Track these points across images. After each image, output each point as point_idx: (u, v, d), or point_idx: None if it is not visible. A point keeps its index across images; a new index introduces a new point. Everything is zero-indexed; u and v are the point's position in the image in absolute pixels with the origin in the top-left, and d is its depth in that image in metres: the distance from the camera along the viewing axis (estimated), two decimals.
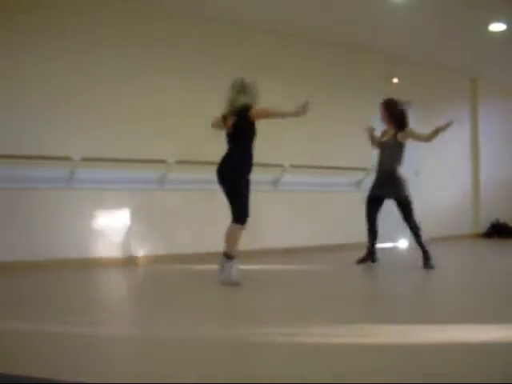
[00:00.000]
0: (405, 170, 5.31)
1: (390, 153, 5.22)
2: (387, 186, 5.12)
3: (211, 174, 5.79)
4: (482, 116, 8.71)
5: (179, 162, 5.55)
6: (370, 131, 5.40)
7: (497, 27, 6.32)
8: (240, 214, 4.05)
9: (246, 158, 4.17)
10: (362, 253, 5.30)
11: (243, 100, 4.11)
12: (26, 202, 4.92)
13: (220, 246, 5.70)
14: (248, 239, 6.02)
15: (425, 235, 5.08)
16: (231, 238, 4.06)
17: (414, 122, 7.85)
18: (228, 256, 4.05)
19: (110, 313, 3.12)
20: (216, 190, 5.83)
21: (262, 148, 6.15)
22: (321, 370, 1.94)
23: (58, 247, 5.03)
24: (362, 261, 5.26)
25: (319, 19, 6.11)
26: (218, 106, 5.91)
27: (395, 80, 7.52)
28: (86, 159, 5.05)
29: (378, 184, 5.23)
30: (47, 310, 3.09)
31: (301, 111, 4.09)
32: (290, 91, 6.43)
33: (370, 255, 5.28)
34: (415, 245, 5.16)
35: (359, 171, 7.00)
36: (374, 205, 5.22)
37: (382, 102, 5.38)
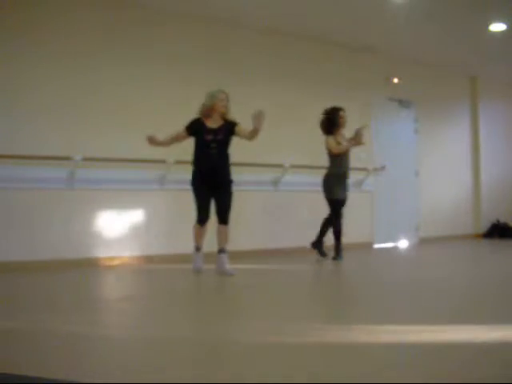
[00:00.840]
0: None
1: (347, 156, 5.60)
2: (345, 188, 5.55)
3: None
4: (482, 115, 8.71)
5: (179, 162, 5.55)
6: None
7: (497, 27, 6.32)
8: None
9: (195, 167, 4.55)
10: (363, 252, 5.40)
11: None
12: (26, 202, 4.91)
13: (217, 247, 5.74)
14: (249, 240, 6.05)
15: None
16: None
17: (415, 121, 7.90)
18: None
19: (110, 313, 3.12)
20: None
21: (262, 148, 6.20)
22: (320, 369, 1.94)
23: (58, 247, 5.03)
24: (335, 257, 5.52)
25: (318, 19, 6.10)
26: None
27: (395, 80, 7.53)
28: (86, 159, 5.05)
29: (343, 187, 5.55)
30: (47, 310, 3.09)
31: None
32: (290, 92, 6.45)
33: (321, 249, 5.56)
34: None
35: (359, 171, 6.99)
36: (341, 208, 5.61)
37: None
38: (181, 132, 4.59)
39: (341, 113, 5.56)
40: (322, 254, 5.51)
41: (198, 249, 4.57)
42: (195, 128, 4.53)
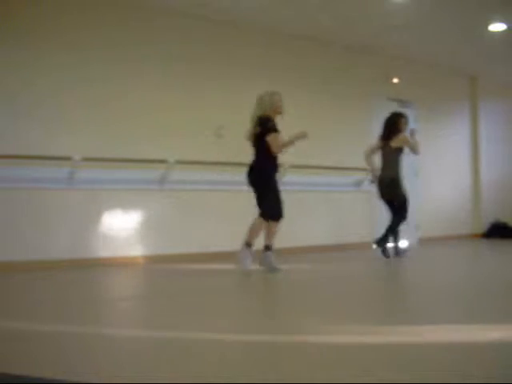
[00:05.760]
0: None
1: (386, 161, 5.82)
2: (383, 189, 5.79)
3: (211, 174, 5.85)
4: (481, 115, 8.72)
5: (179, 162, 5.55)
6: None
7: (497, 27, 6.32)
8: (268, 211, 4.58)
9: (269, 163, 4.64)
10: (364, 253, 5.46)
11: (257, 112, 4.64)
12: (26, 202, 4.92)
13: (220, 246, 5.75)
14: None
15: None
16: (253, 230, 4.62)
17: (415, 121, 7.89)
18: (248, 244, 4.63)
19: (109, 312, 3.12)
20: (216, 190, 5.88)
21: None
22: (321, 369, 1.95)
23: (58, 247, 5.03)
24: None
25: (319, 19, 6.11)
26: (218, 105, 5.96)
27: (395, 80, 7.53)
28: (85, 159, 5.05)
29: (380, 188, 5.80)
30: (47, 310, 3.09)
31: (299, 136, 4.70)
32: (290, 91, 6.44)
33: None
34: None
35: (359, 171, 6.99)
36: None
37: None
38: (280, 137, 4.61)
39: (401, 120, 5.75)
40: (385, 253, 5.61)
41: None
42: None
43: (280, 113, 4.69)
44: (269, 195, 4.58)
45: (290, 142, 4.67)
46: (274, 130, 4.56)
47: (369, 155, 5.83)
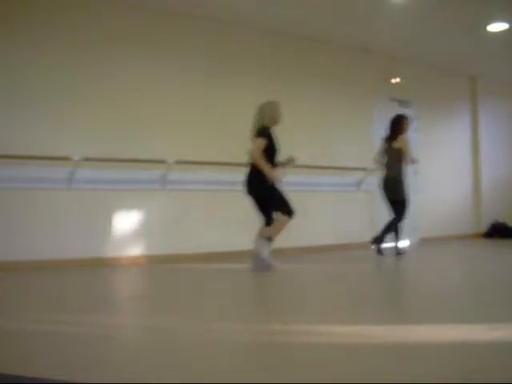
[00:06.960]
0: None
1: (390, 162, 5.91)
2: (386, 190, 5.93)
3: (211, 174, 5.85)
4: (482, 115, 8.72)
5: (179, 162, 5.55)
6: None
7: (496, 27, 6.33)
8: (284, 210, 4.61)
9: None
10: (363, 253, 5.46)
11: (258, 123, 4.66)
12: (26, 202, 4.92)
13: (219, 247, 5.76)
14: (248, 240, 6.05)
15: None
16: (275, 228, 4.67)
17: (416, 120, 7.89)
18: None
19: (109, 312, 3.12)
20: (216, 190, 5.89)
21: None
22: (321, 369, 1.95)
23: (58, 247, 5.04)
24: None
25: (319, 19, 6.11)
26: (218, 104, 5.97)
27: (395, 80, 7.53)
28: (86, 159, 5.06)
29: (384, 189, 5.93)
30: (47, 310, 3.09)
31: (287, 163, 4.85)
32: (290, 91, 6.45)
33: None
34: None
35: (359, 171, 7.00)
36: None
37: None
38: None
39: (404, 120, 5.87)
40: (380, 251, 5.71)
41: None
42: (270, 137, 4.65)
43: (278, 122, 4.73)
44: (274, 198, 4.62)
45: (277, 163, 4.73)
46: (263, 135, 4.56)
47: (379, 160, 5.95)
